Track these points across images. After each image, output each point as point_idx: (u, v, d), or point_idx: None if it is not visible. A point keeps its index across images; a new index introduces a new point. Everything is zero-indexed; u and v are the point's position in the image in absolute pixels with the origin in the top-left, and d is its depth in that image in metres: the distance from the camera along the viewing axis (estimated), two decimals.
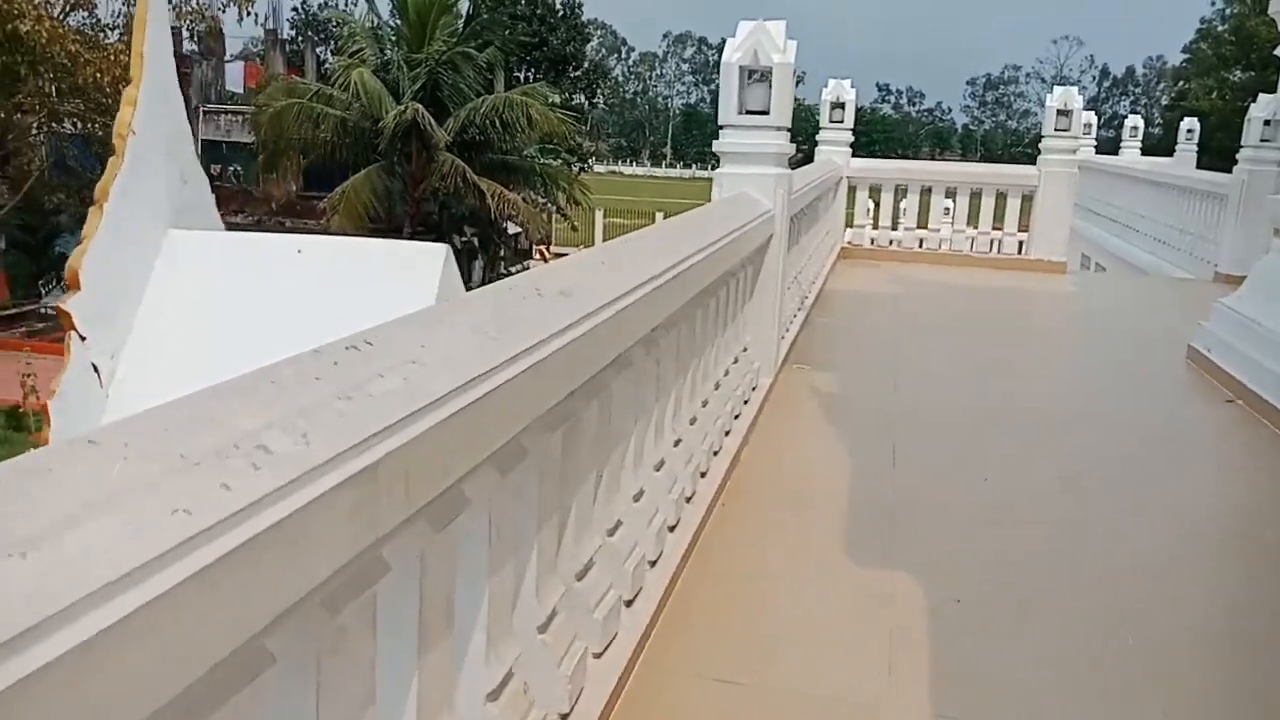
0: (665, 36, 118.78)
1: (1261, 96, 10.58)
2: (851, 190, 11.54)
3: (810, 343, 6.75)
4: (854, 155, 11.61)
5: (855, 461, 4.42)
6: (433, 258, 3.60)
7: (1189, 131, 20.79)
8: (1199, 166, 19.00)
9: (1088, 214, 17.23)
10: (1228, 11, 55.41)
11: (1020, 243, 11.56)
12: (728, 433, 4.38)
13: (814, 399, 5.40)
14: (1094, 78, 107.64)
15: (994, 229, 11.57)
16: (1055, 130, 10.94)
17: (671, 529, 3.27)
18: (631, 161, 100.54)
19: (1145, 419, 5.42)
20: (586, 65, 47.90)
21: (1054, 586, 3.26)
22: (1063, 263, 11.13)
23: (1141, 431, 5.17)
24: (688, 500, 3.55)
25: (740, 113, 5.19)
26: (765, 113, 5.15)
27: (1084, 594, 3.20)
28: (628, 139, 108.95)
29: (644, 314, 2.62)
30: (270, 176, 28.70)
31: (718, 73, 5.26)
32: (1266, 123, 10.17)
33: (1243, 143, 10.59)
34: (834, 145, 11.26)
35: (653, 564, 3.01)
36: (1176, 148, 21.03)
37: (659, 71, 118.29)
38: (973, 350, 6.94)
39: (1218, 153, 20.72)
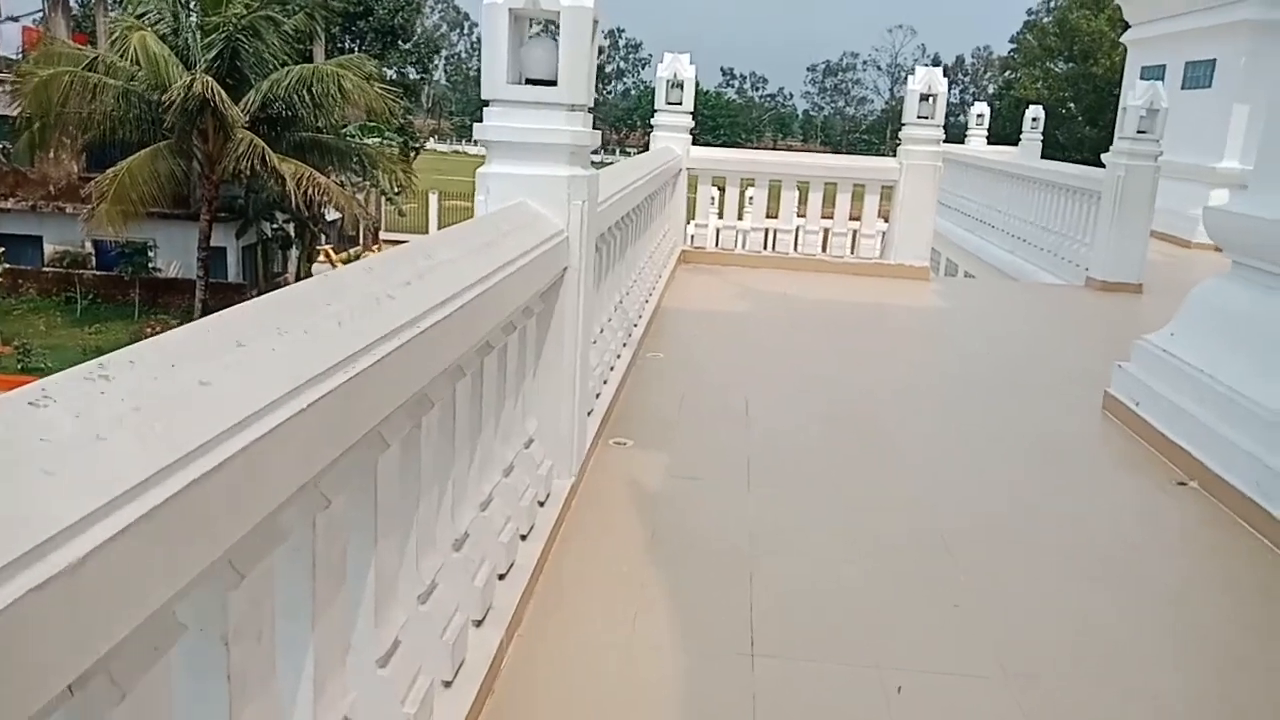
0: None
1: (1138, 83, 9.52)
2: (693, 179, 9.94)
3: (636, 397, 5.04)
4: (696, 142, 9.98)
5: (693, 662, 2.72)
6: None
7: (1034, 120, 20.28)
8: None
9: (939, 207, 16.28)
10: (1052, 4, 57.28)
11: (882, 234, 10.15)
12: (479, 622, 2.61)
13: (633, 512, 3.66)
14: (925, 66, 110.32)
15: (851, 220, 10.07)
16: (918, 118, 9.62)
17: None
18: (477, 141, 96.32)
19: (1081, 525, 3.85)
20: (419, 38, 44.76)
21: None
22: (926, 268, 9.84)
23: (1079, 547, 3.62)
24: None
25: (514, 81, 3.38)
26: (552, 83, 3.36)
27: None
28: (473, 117, 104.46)
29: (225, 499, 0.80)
30: (45, 156, 24.81)
31: None
32: (1143, 113, 9.09)
33: (1117, 135, 9.51)
34: (671, 131, 9.54)
35: None
36: (1021, 136, 20.52)
37: None
38: (838, 407, 5.25)
39: (1045, 141, 20.65)
